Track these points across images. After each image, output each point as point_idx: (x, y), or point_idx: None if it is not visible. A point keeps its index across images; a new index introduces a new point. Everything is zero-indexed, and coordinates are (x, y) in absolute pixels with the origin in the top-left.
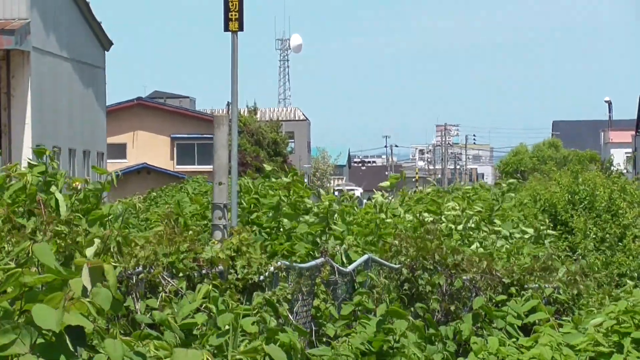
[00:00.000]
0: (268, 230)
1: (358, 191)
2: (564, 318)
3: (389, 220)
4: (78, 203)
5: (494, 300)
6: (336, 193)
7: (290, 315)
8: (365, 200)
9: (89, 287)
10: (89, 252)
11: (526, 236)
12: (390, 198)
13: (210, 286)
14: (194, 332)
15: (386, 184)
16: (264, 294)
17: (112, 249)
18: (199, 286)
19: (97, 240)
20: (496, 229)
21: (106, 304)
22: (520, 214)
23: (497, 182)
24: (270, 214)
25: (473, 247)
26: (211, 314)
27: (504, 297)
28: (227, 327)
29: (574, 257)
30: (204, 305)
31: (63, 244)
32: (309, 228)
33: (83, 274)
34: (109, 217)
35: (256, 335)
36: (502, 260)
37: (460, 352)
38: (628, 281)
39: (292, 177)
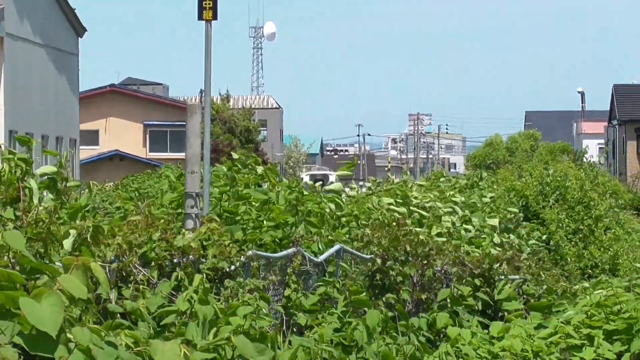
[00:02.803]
0: (241, 219)
1: (333, 176)
2: (535, 312)
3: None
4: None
5: (459, 292)
6: (306, 177)
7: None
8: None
9: (84, 296)
10: (67, 243)
11: (487, 229)
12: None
13: (204, 277)
14: (169, 321)
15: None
16: (236, 282)
17: (88, 239)
18: (179, 274)
19: (72, 232)
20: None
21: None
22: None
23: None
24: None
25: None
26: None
27: (468, 289)
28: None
29: (547, 248)
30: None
31: (41, 233)
32: (278, 217)
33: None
34: (87, 208)
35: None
36: (470, 248)
37: (430, 343)
38: (601, 274)
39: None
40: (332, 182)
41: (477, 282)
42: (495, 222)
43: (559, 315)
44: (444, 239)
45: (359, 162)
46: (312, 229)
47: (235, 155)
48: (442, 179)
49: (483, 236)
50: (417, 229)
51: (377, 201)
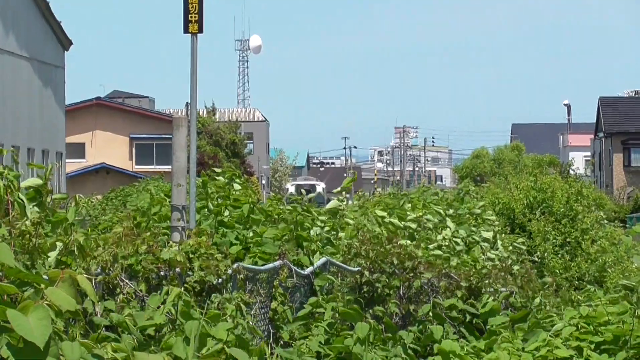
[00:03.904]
0: (237, 234)
1: (320, 186)
2: (521, 325)
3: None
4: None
5: (443, 305)
6: (292, 188)
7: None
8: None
9: (73, 307)
10: (52, 256)
11: (483, 241)
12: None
13: (182, 289)
14: (152, 333)
15: (342, 187)
16: (223, 296)
17: (75, 252)
18: (169, 288)
19: (59, 244)
20: (453, 232)
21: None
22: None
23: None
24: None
25: (436, 251)
26: (173, 317)
27: (453, 301)
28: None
29: (532, 260)
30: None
31: (27, 245)
32: (277, 232)
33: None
34: (71, 222)
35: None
36: (460, 261)
37: (418, 356)
38: (588, 285)
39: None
40: (319, 193)
41: (463, 294)
42: (489, 234)
43: (546, 327)
44: (440, 253)
45: (345, 174)
46: (304, 242)
47: (218, 170)
48: (428, 192)
49: (475, 249)
50: (407, 241)
51: (370, 213)
